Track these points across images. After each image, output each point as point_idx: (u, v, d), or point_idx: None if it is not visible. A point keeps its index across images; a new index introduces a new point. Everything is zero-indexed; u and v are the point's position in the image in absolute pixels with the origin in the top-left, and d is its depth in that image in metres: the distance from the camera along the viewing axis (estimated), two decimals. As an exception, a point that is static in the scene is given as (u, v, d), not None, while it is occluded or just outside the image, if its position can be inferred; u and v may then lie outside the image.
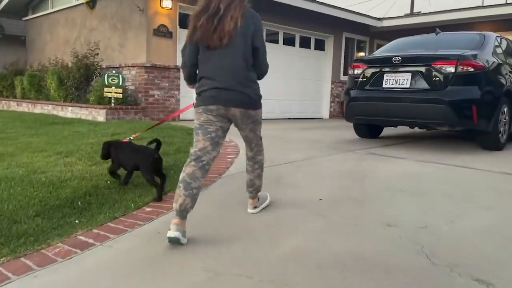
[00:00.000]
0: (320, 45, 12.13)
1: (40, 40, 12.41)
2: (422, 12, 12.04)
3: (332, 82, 12.29)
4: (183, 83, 8.77)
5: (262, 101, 2.73)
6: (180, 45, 8.92)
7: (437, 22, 11.20)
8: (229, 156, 4.67)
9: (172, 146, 5.03)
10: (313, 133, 7.37)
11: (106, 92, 8.00)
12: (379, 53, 5.84)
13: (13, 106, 11.27)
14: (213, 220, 2.84)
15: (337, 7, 11.29)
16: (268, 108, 10.78)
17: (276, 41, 10.88)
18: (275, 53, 10.83)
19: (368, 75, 5.42)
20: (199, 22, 2.55)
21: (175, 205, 2.43)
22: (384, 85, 5.26)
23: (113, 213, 2.93)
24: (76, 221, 2.78)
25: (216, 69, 2.53)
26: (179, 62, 8.78)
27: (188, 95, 9.03)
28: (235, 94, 2.53)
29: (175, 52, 8.71)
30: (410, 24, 12.06)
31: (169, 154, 4.63)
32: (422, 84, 4.94)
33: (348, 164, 4.37)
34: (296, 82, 11.49)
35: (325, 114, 12.40)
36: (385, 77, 5.25)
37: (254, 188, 2.89)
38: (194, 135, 2.63)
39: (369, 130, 6.30)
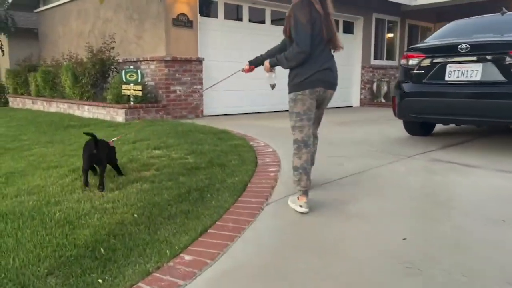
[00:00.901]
0: (348, 28, 11.24)
1: (53, 33, 11.84)
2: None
3: (363, 67, 11.44)
4: (206, 75, 8.11)
5: (285, 91, 3.00)
6: (202, 34, 8.27)
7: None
8: (270, 169, 4.00)
9: (203, 157, 4.38)
10: (353, 130, 6.63)
11: (124, 89, 7.39)
12: (435, 39, 5.03)
13: (28, 104, 10.80)
14: (269, 277, 2.18)
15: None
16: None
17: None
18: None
19: (427, 66, 4.65)
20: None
21: (300, 187, 2.91)
22: (447, 78, 4.48)
23: (145, 265, 2.31)
24: (100, 281, 2.17)
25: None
26: (201, 53, 8.10)
27: (212, 88, 8.37)
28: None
29: (196, 43, 8.01)
30: (449, 1, 11.03)
31: (201, 168, 3.98)
32: (497, 76, 4.15)
33: (417, 179, 3.65)
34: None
35: (355, 101, 11.59)
36: (448, 68, 4.47)
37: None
38: (296, 120, 2.94)
39: (421, 127, 5.54)
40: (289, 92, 2.97)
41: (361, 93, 11.53)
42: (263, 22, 9.30)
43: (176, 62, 7.72)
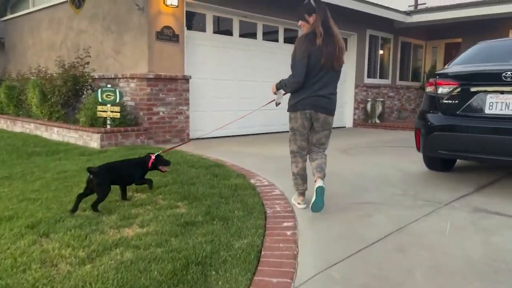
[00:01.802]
0: (342, 45, 10.66)
1: (21, 44, 10.80)
2: (457, 3, 10.57)
3: (356, 86, 10.85)
4: (193, 95, 7.30)
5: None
6: (189, 50, 7.49)
7: (482, 15, 9.79)
8: (285, 224, 3.20)
9: (198, 204, 3.55)
10: (361, 161, 5.91)
11: (100, 111, 6.48)
12: (463, 64, 4.37)
13: (-10, 122, 9.69)
14: None
15: (361, 0, 9.80)
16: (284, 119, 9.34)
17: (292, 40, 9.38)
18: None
19: (461, 95, 3.98)
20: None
21: (299, 190, 3.54)
22: (488, 111, 3.82)
23: None
24: None
25: None
26: (187, 70, 7.29)
27: (199, 109, 7.59)
28: None
29: (182, 59, 7.20)
30: (446, 18, 10.61)
31: (197, 223, 3.15)
32: (551, 110, 3.50)
33: (472, 243, 2.90)
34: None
35: (349, 122, 10.97)
36: (489, 99, 3.81)
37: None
38: (291, 134, 3.58)
39: (443, 162, 4.87)
40: (288, 111, 3.51)
41: (354, 113, 10.92)
42: (254, 37, 8.58)
43: (160, 80, 6.87)
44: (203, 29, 7.74)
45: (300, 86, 3.31)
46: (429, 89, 4.32)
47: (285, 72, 3.57)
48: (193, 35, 7.51)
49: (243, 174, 4.69)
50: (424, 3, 12.57)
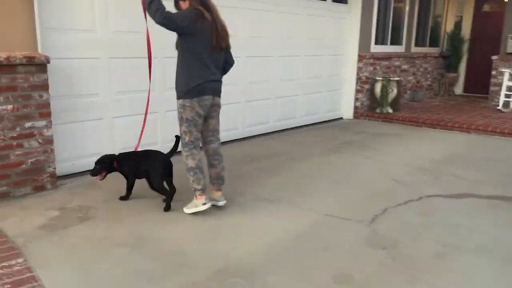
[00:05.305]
0: (340, -6, 6.95)
1: None
2: None
3: (360, 59, 7.23)
4: (58, 91, 3.59)
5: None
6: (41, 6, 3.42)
7: None
8: None
9: None
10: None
11: None
12: None
13: None
14: None
15: None
16: (259, 117, 5.80)
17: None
18: (259, 12, 5.71)
19: None
20: None
21: (199, 186, 3.10)
22: None
23: None
24: None
25: None
26: (43, 45, 3.57)
27: (82, 117, 3.92)
28: None
29: (30, 20, 3.42)
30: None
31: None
32: None
33: None
34: (298, 62, 6.37)
35: (347, 112, 7.45)
36: None
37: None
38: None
39: None
40: None
41: (356, 99, 7.38)
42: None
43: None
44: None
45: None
46: None
47: None
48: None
49: None
50: None
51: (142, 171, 3.30)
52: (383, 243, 2.82)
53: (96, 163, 3.30)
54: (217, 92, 3.12)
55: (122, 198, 3.43)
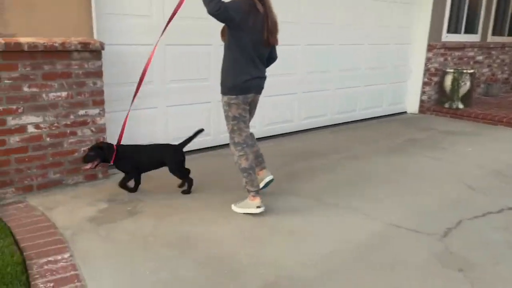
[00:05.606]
0: (410, -23, 6.37)
1: None
2: None
3: (429, 48, 6.64)
4: (111, 80, 3.51)
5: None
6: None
7: None
8: None
9: None
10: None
11: None
12: None
13: None
14: None
15: None
16: (316, 109, 5.47)
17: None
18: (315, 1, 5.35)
19: None
20: None
21: (254, 188, 2.93)
22: None
23: None
24: None
25: None
26: (99, 31, 3.50)
27: (138, 105, 3.81)
28: None
29: (87, 7, 3.34)
30: None
31: None
32: None
33: None
34: (360, 51, 5.94)
35: (412, 106, 6.91)
36: None
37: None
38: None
39: None
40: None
41: (423, 92, 6.81)
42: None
43: (26, 56, 3.08)
44: None
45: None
46: None
47: None
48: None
49: None
50: None
51: (155, 163, 3.28)
52: (458, 264, 2.45)
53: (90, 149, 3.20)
54: (260, 90, 3.02)
55: (131, 190, 3.33)
